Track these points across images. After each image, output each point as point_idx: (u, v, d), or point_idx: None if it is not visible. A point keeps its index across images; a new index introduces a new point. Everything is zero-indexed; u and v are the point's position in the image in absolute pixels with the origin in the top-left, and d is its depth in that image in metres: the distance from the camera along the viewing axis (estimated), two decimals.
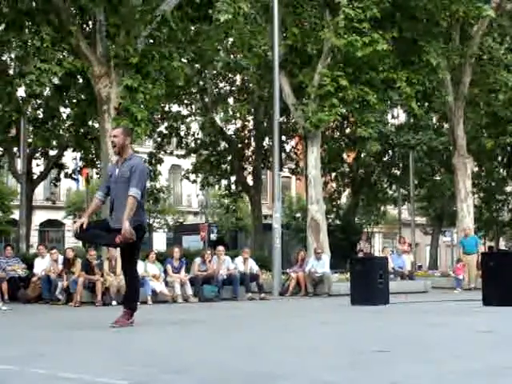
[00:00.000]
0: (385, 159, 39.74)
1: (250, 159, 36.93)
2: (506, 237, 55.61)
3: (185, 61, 23.76)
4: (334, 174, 40.25)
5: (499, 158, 37.86)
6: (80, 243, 29.09)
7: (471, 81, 27.24)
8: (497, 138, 30.50)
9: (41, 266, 18.85)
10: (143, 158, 31.78)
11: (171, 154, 36.58)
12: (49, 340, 8.57)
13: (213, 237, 41.54)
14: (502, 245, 53.72)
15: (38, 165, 32.36)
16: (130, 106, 19.26)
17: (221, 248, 20.42)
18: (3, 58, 26.91)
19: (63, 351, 7.34)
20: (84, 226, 9.48)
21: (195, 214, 54.47)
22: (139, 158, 10.32)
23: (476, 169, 36.15)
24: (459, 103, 27.21)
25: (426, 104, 31.08)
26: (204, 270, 19.30)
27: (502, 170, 39.83)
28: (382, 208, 47.84)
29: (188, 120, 36.10)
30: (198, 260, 19.63)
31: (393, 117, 41.76)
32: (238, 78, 35.83)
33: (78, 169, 33.58)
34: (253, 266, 20.29)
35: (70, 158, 33.68)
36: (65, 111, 28.82)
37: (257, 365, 6.14)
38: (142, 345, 7.90)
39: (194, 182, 38.62)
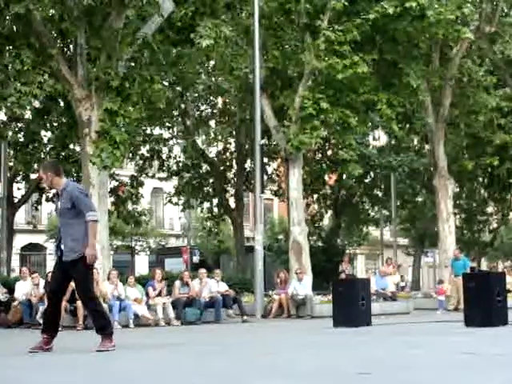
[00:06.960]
0: (367, 181, 39.80)
1: (232, 181, 36.89)
2: (488, 257, 55.72)
3: (166, 83, 23.78)
4: (315, 196, 40.25)
5: (480, 179, 37.99)
6: None
7: (451, 102, 27.42)
8: (477, 159, 30.63)
9: (22, 289, 18.75)
10: (125, 182, 31.95)
11: (153, 176, 36.52)
12: (26, 365, 8.48)
13: (195, 259, 41.43)
14: (484, 265, 53.79)
15: (19, 188, 32.19)
16: (109, 129, 19.24)
17: (203, 271, 20.39)
18: None
19: (41, 376, 7.27)
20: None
21: (177, 236, 54.29)
22: (72, 184, 10.05)
23: (457, 190, 36.28)
24: (440, 125, 27.36)
25: (407, 126, 31.25)
26: (185, 292, 19.22)
27: (482, 191, 39.97)
28: (365, 229, 47.84)
29: (170, 143, 36.07)
30: (177, 283, 19.55)
31: (374, 139, 41.91)
32: (220, 100, 35.88)
33: None
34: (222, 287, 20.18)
35: None
36: (46, 134, 28.74)
37: None
38: (119, 369, 7.84)
39: (176, 204, 38.53)
